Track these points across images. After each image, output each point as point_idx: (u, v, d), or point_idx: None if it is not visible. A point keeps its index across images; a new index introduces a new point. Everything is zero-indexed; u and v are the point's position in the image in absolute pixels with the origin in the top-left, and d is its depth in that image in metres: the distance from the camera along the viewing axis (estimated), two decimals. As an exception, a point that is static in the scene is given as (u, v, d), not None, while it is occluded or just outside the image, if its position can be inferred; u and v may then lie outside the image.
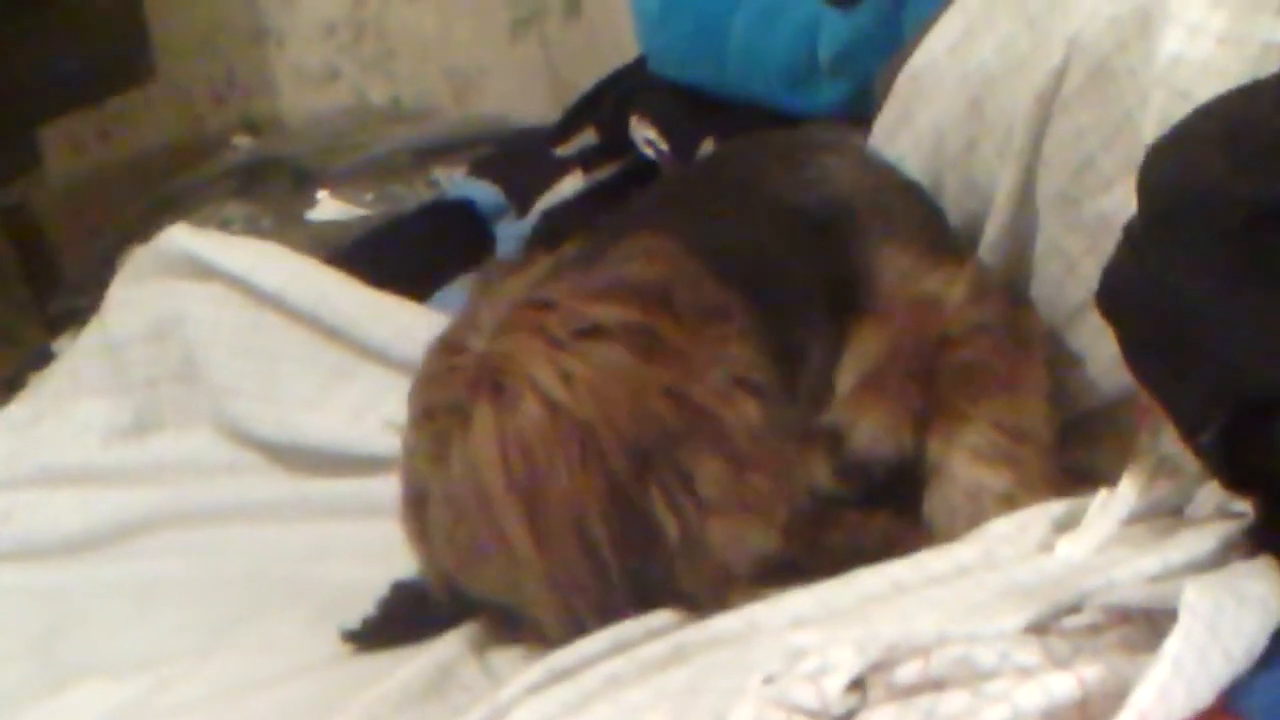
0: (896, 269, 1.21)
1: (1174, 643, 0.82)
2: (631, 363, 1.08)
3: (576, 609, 1.09)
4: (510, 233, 1.91)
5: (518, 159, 2.06)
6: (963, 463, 1.16)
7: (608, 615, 1.08)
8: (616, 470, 1.06)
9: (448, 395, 1.10)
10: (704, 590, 1.08)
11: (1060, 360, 1.24)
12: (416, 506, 1.15)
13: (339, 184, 2.14)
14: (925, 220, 1.29)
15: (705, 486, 1.07)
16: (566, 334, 1.08)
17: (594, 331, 1.09)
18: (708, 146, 1.74)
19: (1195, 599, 0.85)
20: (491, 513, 1.08)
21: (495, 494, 1.07)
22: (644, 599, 1.08)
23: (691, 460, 1.07)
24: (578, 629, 1.08)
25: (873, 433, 1.18)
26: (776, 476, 1.11)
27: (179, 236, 1.71)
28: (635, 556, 1.07)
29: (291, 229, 2.01)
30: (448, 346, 1.14)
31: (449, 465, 1.10)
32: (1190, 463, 1.02)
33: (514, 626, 1.14)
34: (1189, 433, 0.96)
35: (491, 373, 1.09)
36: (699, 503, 1.07)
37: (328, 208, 2.10)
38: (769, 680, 0.90)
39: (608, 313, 1.09)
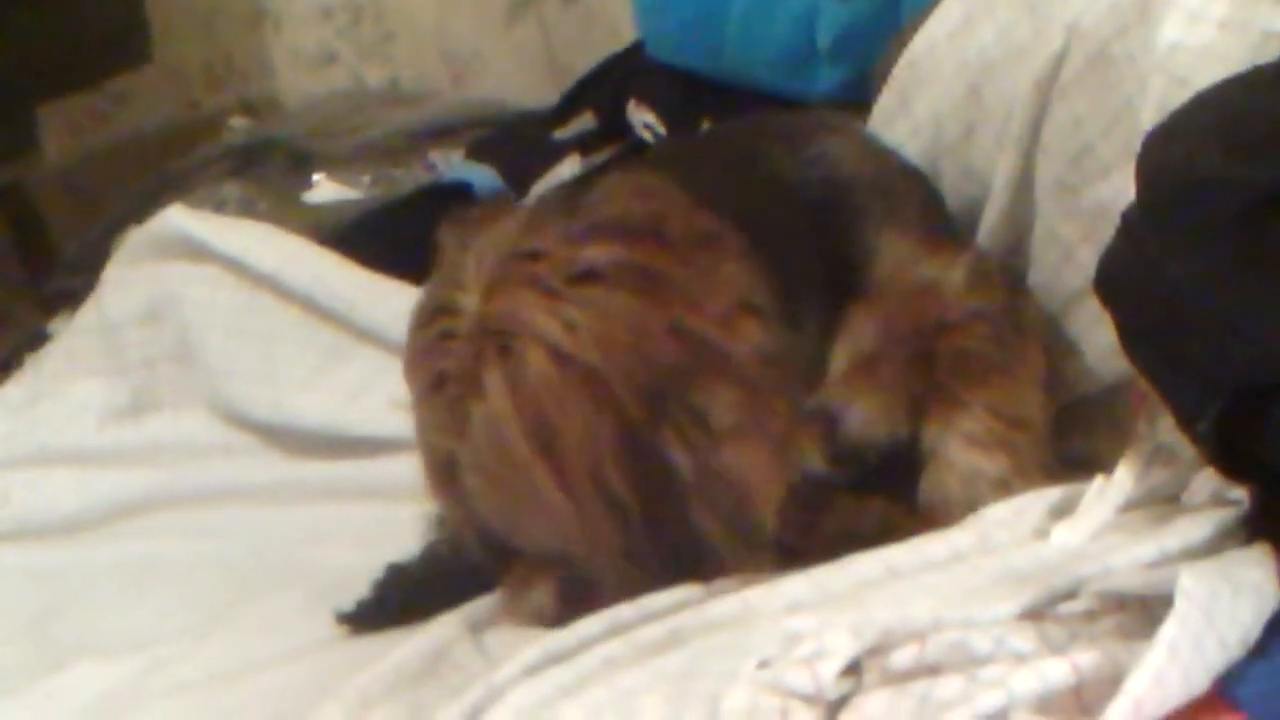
0: (895, 254, 1.20)
1: (1169, 629, 0.82)
2: (630, 303, 1.06)
3: (606, 558, 1.08)
4: (507, 216, 1.91)
5: (515, 142, 2.05)
6: (958, 448, 1.16)
7: (635, 562, 1.07)
8: (628, 413, 1.05)
9: (453, 362, 1.08)
10: (722, 529, 1.07)
11: (1057, 347, 1.24)
12: (445, 474, 1.12)
13: (336, 166, 2.14)
14: (925, 206, 1.29)
15: (718, 417, 1.06)
16: (561, 281, 1.06)
17: (588, 275, 1.07)
18: (706, 130, 1.74)
19: (1191, 586, 0.85)
20: (521, 473, 1.06)
21: (520, 454, 1.06)
22: (666, 544, 1.08)
23: (702, 394, 1.06)
24: (627, 578, 1.08)
25: (866, 416, 1.18)
26: (786, 398, 1.10)
27: (175, 218, 1.71)
28: (653, 499, 1.06)
29: (288, 211, 2.01)
30: (437, 308, 1.12)
31: (471, 432, 1.08)
32: (1186, 450, 1.02)
33: (576, 581, 1.12)
34: (1186, 420, 0.96)
35: (493, 333, 1.07)
36: (712, 434, 1.06)
37: (325, 190, 2.10)
38: (764, 664, 0.90)
39: (599, 254, 1.07)
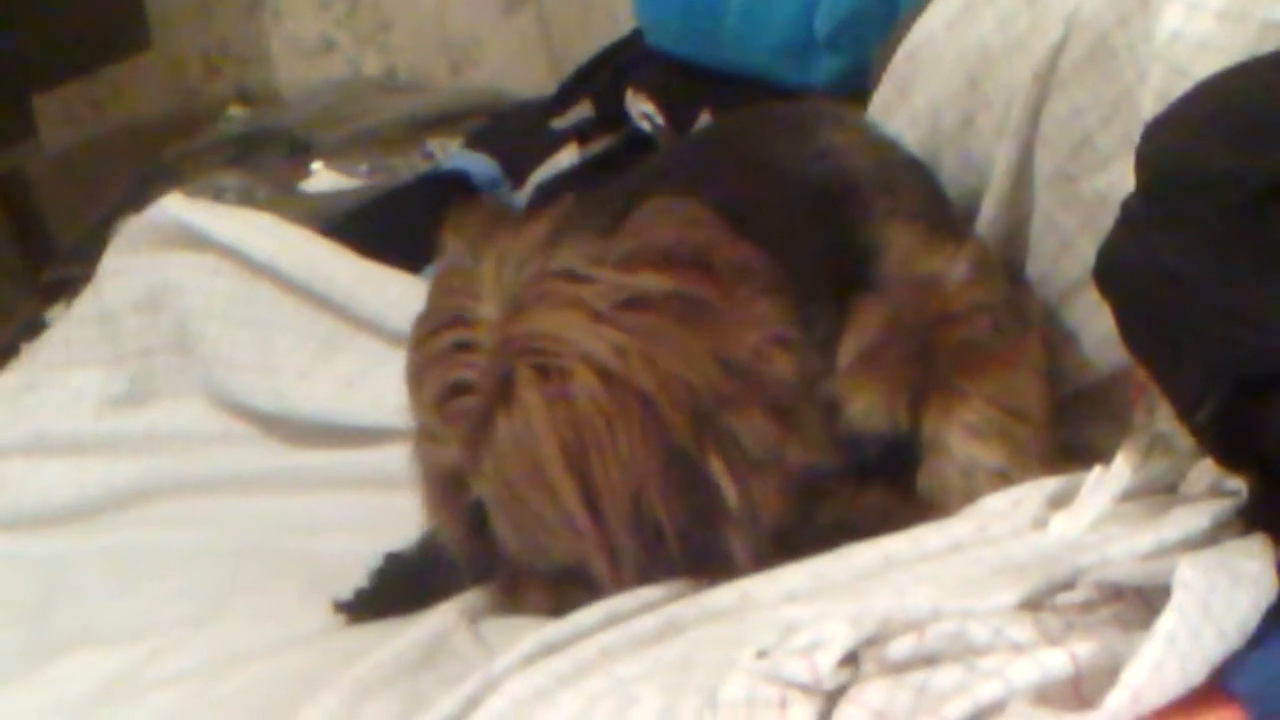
0: (900, 247, 1.20)
1: (1168, 620, 0.82)
2: (678, 331, 1.06)
3: (629, 577, 1.08)
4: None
5: (513, 131, 2.05)
6: (958, 439, 1.16)
7: (648, 579, 1.08)
8: (677, 438, 1.05)
9: (473, 373, 1.08)
10: (749, 551, 1.07)
11: (1056, 337, 1.24)
12: (450, 489, 1.12)
13: (334, 155, 2.14)
14: (929, 198, 1.28)
15: (754, 448, 1.07)
16: (608, 306, 1.06)
17: (638, 302, 1.07)
18: (704, 120, 1.73)
19: (1189, 576, 0.85)
20: (548, 488, 1.06)
21: (551, 469, 1.05)
22: (691, 564, 1.08)
23: (740, 422, 1.07)
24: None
25: (867, 408, 1.18)
26: (810, 428, 1.11)
27: (173, 206, 1.71)
28: (691, 523, 1.07)
29: (286, 200, 2.01)
30: (449, 318, 1.11)
31: (494, 445, 1.07)
32: (1184, 440, 1.02)
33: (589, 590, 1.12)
34: (1184, 410, 0.96)
35: (528, 350, 1.06)
36: (751, 464, 1.07)
37: (322, 179, 2.10)
38: (762, 654, 0.90)
39: (648, 282, 1.07)
